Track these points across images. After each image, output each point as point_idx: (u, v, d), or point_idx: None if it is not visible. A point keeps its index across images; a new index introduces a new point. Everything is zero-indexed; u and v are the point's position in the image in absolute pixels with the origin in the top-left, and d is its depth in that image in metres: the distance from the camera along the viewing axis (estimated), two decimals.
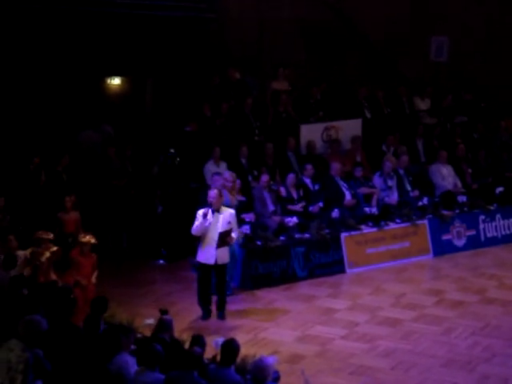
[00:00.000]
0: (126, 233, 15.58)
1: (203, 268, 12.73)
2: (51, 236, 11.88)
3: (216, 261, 12.62)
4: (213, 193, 12.71)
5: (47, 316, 9.30)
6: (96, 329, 9.29)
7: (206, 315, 12.77)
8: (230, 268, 13.18)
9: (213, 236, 12.54)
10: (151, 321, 10.25)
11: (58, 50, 16.59)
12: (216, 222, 12.58)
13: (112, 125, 17.01)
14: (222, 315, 12.79)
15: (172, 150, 15.44)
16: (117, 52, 17.16)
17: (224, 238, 12.53)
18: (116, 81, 18.13)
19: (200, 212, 12.57)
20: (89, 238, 12.00)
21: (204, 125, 16.43)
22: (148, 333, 9.82)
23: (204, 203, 12.70)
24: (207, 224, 12.52)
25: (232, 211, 12.85)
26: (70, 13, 16.62)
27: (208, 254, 12.63)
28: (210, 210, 12.57)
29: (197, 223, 12.56)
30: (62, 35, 16.53)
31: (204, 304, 12.81)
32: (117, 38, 17.07)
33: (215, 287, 12.81)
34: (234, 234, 12.69)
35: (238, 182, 14.36)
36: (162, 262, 15.17)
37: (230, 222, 12.67)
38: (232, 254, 13.26)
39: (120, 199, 15.39)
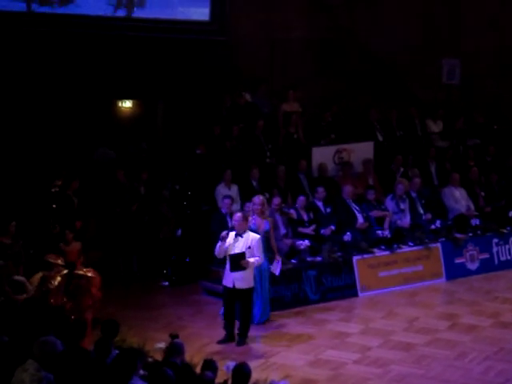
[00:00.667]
0: (137, 256, 15.52)
1: (225, 290, 12.71)
2: (61, 260, 11.84)
3: (233, 284, 12.54)
4: (236, 216, 12.68)
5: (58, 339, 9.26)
6: (107, 353, 9.22)
7: (226, 339, 12.66)
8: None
9: None
10: (162, 345, 10.15)
11: (71, 74, 16.66)
12: (235, 245, 12.52)
13: (124, 147, 17.04)
14: (239, 341, 12.63)
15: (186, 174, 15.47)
16: (128, 75, 17.20)
17: (236, 262, 12.41)
18: (127, 104, 18.17)
19: (223, 234, 12.55)
20: (85, 272, 11.94)
21: (214, 147, 16.41)
22: (159, 357, 9.72)
23: (215, 226, 12.63)
24: (225, 246, 12.47)
25: (257, 236, 12.68)
26: (81, 36, 16.69)
27: (227, 277, 12.59)
28: (230, 233, 12.54)
29: (218, 245, 12.55)
30: (71, 59, 16.60)
31: (225, 327, 12.73)
32: (127, 61, 17.12)
33: (238, 312, 12.72)
34: (251, 259, 12.52)
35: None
36: (166, 283, 15.07)
37: (250, 247, 12.53)
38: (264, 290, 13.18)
39: (131, 223, 15.34)
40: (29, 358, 8.04)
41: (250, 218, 13.14)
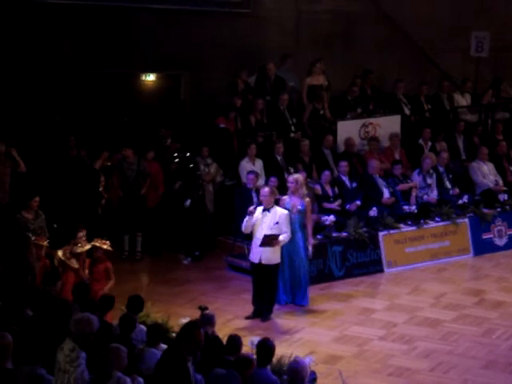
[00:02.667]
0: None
1: (252, 266, 12.67)
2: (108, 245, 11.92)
3: (260, 260, 12.44)
4: (264, 191, 12.59)
5: None
6: (131, 328, 9.22)
7: (253, 314, 12.60)
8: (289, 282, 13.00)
9: (258, 234, 12.41)
10: (187, 320, 10.12)
11: (91, 46, 16.61)
12: (263, 220, 12.42)
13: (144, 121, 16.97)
14: (263, 317, 12.56)
15: (187, 154, 15.29)
16: (152, 48, 17.10)
17: (269, 240, 12.34)
18: (151, 77, 18.05)
19: (250, 208, 12.44)
20: (101, 244, 11.91)
21: (235, 121, 16.26)
22: None
23: (240, 201, 12.51)
24: (253, 221, 12.38)
25: (284, 212, 12.58)
26: (103, 8, 16.60)
27: (254, 253, 12.52)
28: (257, 207, 12.44)
29: (245, 219, 12.46)
30: (92, 30, 16.52)
31: (253, 303, 12.68)
32: (152, 34, 17.02)
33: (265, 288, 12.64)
34: (281, 237, 12.43)
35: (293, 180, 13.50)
36: (187, 261, 14.99)
37: (277, 223, 12.44)
38: (296, 270, 13.03)
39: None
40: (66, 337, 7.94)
41: (287, 197, 13.02)
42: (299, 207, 12.98)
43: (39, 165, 14.67)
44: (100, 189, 14.77)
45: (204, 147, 15.32)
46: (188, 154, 15.26)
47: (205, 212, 15.18)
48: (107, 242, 12.00)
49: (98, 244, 11.85)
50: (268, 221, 12.43)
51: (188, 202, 14.94)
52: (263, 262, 12.46)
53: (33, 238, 12.12)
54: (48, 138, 15.42)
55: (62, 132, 15.50)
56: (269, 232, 12.37)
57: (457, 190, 16.26)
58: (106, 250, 11.88)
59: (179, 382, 7.67)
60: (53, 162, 14.81)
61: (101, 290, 11.49)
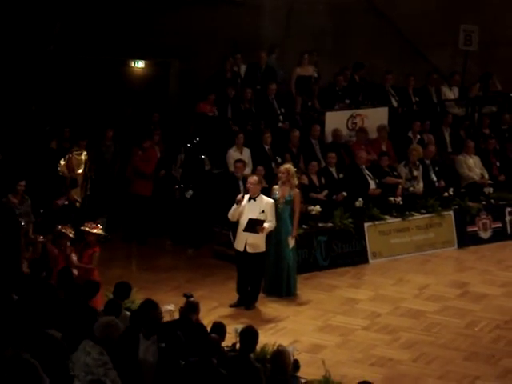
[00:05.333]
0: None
1: (236, 254, 12.70)
2: (70, 230, 11.84)
3: (245, 248, 12.49)
4: (251, 179, 12.64)
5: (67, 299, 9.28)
6: (117, 313, 9.24)
7: (238, 303, 12.64)
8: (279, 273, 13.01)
9: (243, 222, 12.45)
10: (172, 307, 10.18)
11: (81, 31, 16.57)
12: (250, 208, 12.45)
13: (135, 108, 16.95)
14: (248, 306, 12.61)
15: (197, 139, 15.31)
16: (141, 34, 17.06)
17: (253, 226, 12.37)
18: (140, 64, 18.01)
19: (238, 197, 12.47)
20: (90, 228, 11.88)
21: (225, 109, 16.27)
22: (168, 319, 9.73)
23: (227, 189, 12.52)
24: (240, 209, 12.41)
25: (270, 200, 12.64)
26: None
27: (239, 241, 12.56)
28: (244, 196, 12.46)
29: (232, 208, 12.49)
30: (82, 15, 16.49)
31: (237, 291, 12.72)
32: (142, 21, 16.98)
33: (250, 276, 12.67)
34: (265, 225, 12.47)
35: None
36: (190, 250, 15.01)
37: (263, 211, 12.49)
38: (283, 260, 13.03)
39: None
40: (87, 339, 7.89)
41: (277, 186, 13.05)
42: (287, 198, 13.03)
43: (22, 152, 14.65)
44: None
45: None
46: (197, 140, 15.24)
47: (206, 202, 15.13)
48: (98, 226, 11.96)
49: (87, 228, 11.80)
50: (254, 209, 12.47)
51: (190, 193, 14.98)
52: (248, 250, 12.50)
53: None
54: (28, 126, 15.39)
55: (42, 120, 15.48)
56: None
57: (442, 183, 16.32)
58: (96, 234, 11.83)
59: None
60: (33, 151, 14.77)
61: (85, 274, 11.46)
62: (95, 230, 11.78)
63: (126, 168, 15.48)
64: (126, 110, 17.13)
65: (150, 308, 8.35)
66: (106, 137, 15.44)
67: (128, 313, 9.59)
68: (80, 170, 14.47)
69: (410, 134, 17.16)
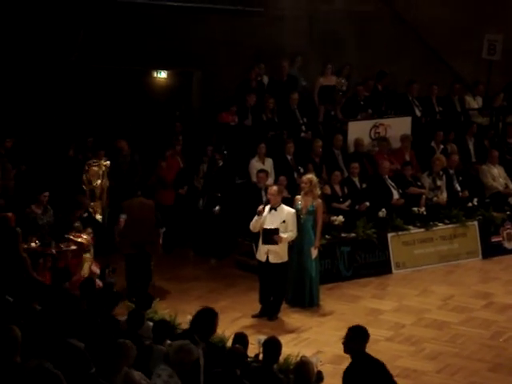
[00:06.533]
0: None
1: (259, 265, 12.67)
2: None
3: (267, 259, 12.45)
4: (272, 189, 12.60)
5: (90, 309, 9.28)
6: (139, 324, 9.23)
7: (260, 313, 12.60)
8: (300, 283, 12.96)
9: None
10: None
11: (104, 42, 16.62)
12: (271, 218, 12.42)
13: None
14: (271, 316, 12.58)
15: (225, 152, 15.32)
16: (164, 44, 17.10)
17: (269, 236, 12.34)
18: (162, 74, 18.06)
19: (260, 208, 12.45)
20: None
21: (245, 118, 16.25)
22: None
23: (250, 200, 12.50)
24: (261, 220, 12.39)
25: (291, 210, 12.61)
26: (116, 4, 16.65)
27: (261, 251, 12.54)
28: (265, 207, 12.45)
29: (254, 219, 12.47)
30: (104, 26, 16.53)
31: (260, 301, 12.68)
32: (164, 31, 17.02)
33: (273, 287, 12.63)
34: (284, 235, 12.44)
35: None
36: (213, 260, 15.00)
37: (284, 221, 12.45)
38: (305, 271, 12.98)
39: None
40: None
41: (299, 197, 13.01)
42: (309, 208, 12.98)
43: (46, 162, 14.71)
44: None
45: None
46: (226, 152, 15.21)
47: (232, 216, 15.08)
48: (82, 235, 11.96)
49: (72, 237, 11.84)
50: (274, 219, 12.44)
51: (217, 209, 14.96)
52: (270, 260, 12.47)
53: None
54: (53, 137, 15.45)
55: (65, 131, 15.54)
56: None
57: (466, 193, 16.23)
58: (79, 243, 11.85)
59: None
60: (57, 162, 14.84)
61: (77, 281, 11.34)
62: (79, 239, 11.83)
63: (147, 178, 15.46)
64: (147, 120, 17.15)
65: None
66: (122, 147, 15.34)
67: (151, 323, 9.57)
68: (98, 182, 14.51)
69: (433, 143, 17.08)
